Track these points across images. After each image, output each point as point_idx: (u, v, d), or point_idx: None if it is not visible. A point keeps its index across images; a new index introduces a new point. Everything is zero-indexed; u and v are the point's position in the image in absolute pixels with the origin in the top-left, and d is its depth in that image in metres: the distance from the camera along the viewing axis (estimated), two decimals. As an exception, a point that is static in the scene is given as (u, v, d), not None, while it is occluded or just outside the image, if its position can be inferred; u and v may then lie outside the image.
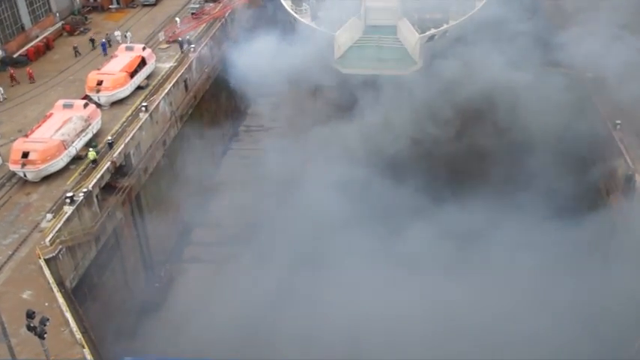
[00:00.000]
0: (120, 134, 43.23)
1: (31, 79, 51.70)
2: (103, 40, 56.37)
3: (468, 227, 43.07)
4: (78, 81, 50.62)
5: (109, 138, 42.79)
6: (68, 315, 30.12)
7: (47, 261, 32.67)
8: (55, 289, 31.51)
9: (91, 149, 40.92)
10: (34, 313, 25.71)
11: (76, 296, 33.85)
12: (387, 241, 42.63)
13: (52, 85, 51.12)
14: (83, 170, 39.75)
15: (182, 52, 54.56)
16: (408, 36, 54.21)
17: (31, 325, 25.53)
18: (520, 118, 47.36)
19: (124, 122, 44.69)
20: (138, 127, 43.85)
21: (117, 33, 57.49)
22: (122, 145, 41.73)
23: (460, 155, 50.62)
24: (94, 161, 40.42)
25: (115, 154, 40.83)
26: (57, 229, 34.24)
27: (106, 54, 54.53)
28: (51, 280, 31.86)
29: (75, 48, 55.73)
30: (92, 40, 57.36)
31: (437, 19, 56.49)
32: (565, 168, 46.00)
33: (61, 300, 30.92)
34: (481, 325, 36.99)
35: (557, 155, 47.08)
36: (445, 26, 55.04)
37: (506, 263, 40.73)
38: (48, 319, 25.76)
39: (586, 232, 40.41)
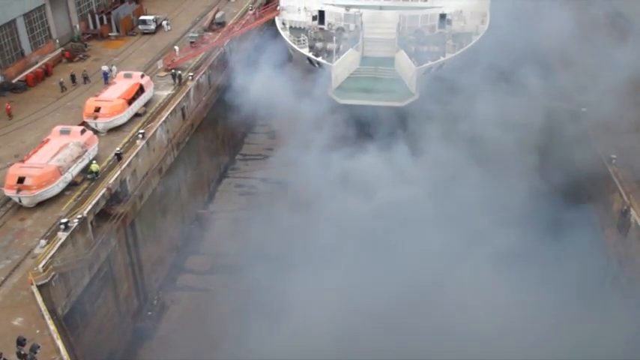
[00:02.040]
0: (116, 161, 43.20)
1: (10, 115, 49.75)
2: (105, 69, 56.48)
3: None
4: (75, 107, 50.77)
5: (118, 149, 43.37)
6: (59, 343, 29.66)
7: (40, 287, 32.34)
8: (47, 316, 31.11)
9: (94, 162, 41.41)
10: (24, 340, 25.58)
11: (68, 324, 33.48)
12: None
13: (49, 110, 51.22)
14: (79, 196, 39.65)
15: (174, 84, 54.79)
16: (405, 68, 54.75)
17: (22, 352, 25.33)
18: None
19: (121, 149, 44.75)
20: (134, 154, 43.92)
21: (104, 68, 57.01)
22: (118, 172, 41.72)
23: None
24: (96, 173, 40.87)
25: (110, 181, 40.82)
26: (50, 255, 33.98)
27: (107, 82, 54.61)
28: (43, 307, 31.49)
29: (61, 83, 54.77)
30: (73, 76, 56.07)
31: (434, 51, 57.20)
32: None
33: (52, 327, 30.48)
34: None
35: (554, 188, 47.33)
36: (442, 59, 55.69)
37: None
38: (39, 347, 25.64)
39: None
